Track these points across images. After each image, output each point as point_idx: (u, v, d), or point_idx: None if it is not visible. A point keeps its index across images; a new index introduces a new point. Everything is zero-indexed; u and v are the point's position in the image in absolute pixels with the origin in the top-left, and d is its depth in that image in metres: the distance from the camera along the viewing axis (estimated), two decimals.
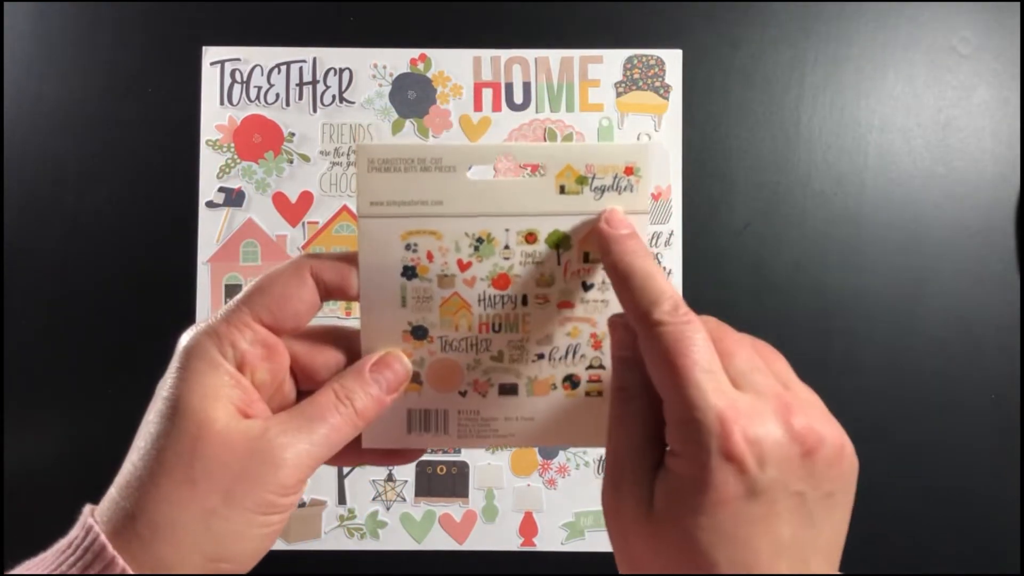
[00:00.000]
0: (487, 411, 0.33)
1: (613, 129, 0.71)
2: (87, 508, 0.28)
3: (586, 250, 0.32)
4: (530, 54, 0.72)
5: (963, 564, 0.69)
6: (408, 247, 0.32)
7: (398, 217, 0.31)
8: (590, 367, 0.33)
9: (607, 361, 0.33)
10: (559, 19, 0.72)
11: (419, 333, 0.33)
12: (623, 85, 0.71)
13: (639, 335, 0.28)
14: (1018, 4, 0.71)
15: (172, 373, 0.29)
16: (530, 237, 0.32)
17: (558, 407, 0.33)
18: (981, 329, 0.70)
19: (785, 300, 0.71)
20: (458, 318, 0.32)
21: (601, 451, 0.58)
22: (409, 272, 0.32)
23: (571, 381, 0.33)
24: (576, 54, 0.72)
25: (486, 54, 0.72)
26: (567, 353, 0.33)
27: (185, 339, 0.30)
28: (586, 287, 0.33)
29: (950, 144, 0.71)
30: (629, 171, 0.31)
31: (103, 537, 0.26)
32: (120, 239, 0.71)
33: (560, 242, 0.32)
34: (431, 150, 0.31)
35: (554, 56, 0.72)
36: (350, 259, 0.32)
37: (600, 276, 0.32)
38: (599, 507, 0.69)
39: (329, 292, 0.32)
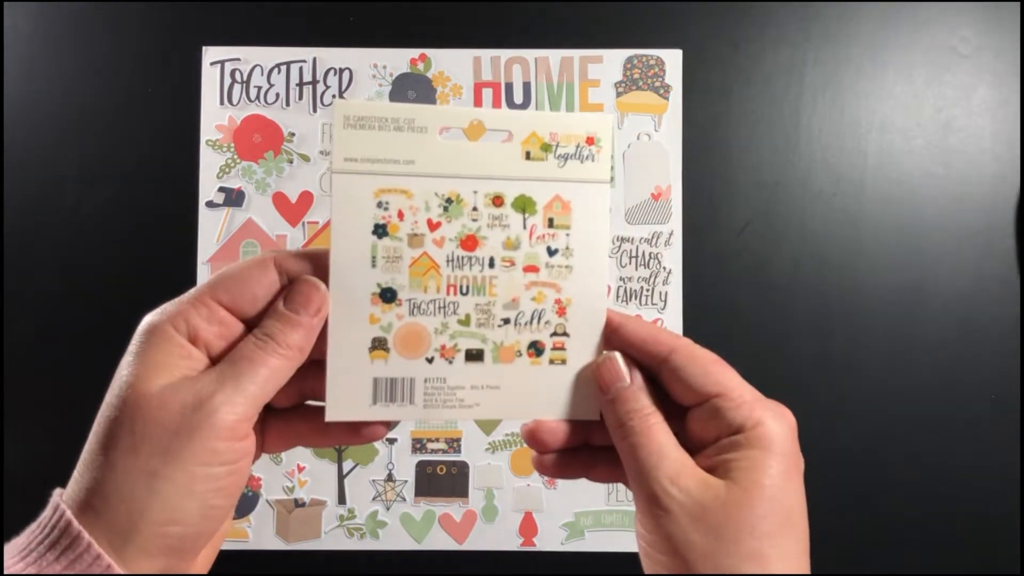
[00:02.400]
0: (453, 379, 0.33)
1: (613, 129, 0.71)
2: (57, 490, 0.29)
3: (551, 216, 0.33)
4: (530, 54, 0.72)
5: (963, 564, 0.69)
6: (380, 204, 0.32)
7: (371, 174, 0.32)
8: (554, 334, 0.34)
9: (571, 328, 0.34)
10: (559, 19, 0.72)
11: (388, 296, 0.33)
12: (623, 85, 0.71)
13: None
14: (1018, 4, 0.71)
15: (127, 353, 0.30)
16: (497, 200, 0.33)
17: (523, 376, 0.34)
18: (981, 329, 0.70)
19: (785, 299, 0.70)
20: (427, 279, 0.33)
21: None
22: (380, 230, 0.32)
23: (535, 348, 0.34)
24: (576, 54, 0.72)
25: (486, 54, 0.72)
26: (532, 318, 0.34)
27: (143, 322, 0.31)
28: (551, 252, 0.33)
29: (950, 144, 0.71)
30: (590, 141, 0.33)
31: (68, 513, 0.27)
32: (120, 239, 0.71)
33: (526, 206, 0.33)
34: (405, 110, 0.32)
35: (554, 56, 0.72)
36: (316, 252, 0.32)
37: (564, 242, 0.33)
38: (599, 507, 0.69)
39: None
